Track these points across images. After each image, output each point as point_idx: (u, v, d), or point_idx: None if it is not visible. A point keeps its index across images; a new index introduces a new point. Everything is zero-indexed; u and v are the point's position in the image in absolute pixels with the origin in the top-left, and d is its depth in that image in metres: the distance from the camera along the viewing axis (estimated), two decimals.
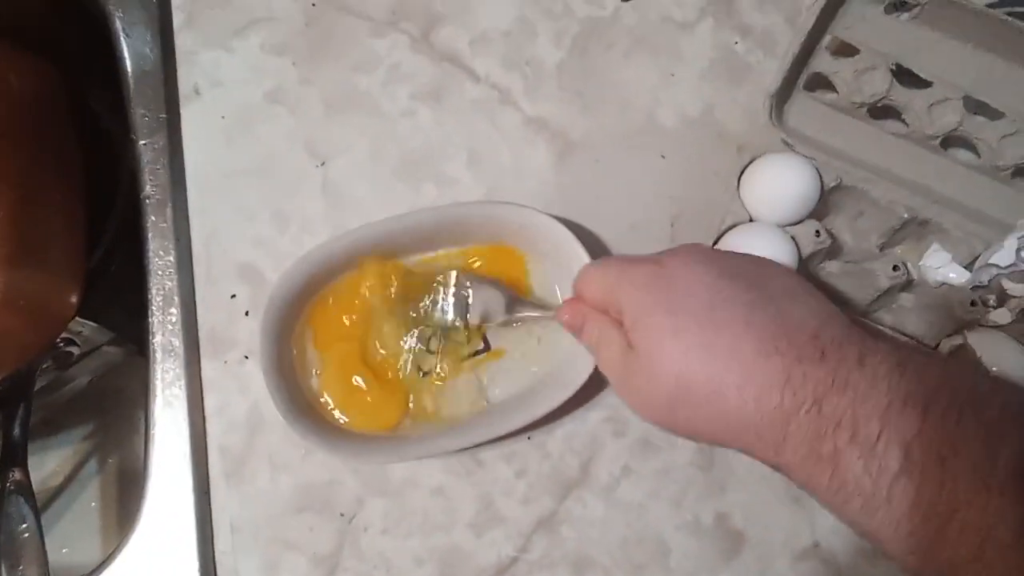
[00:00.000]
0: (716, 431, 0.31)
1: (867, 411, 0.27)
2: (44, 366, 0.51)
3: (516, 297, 0.43)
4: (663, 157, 0.48)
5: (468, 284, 0.43)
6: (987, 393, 0.28)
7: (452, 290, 0.43)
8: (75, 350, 0.52)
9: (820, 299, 0.33)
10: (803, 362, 0.29)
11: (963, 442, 0.26)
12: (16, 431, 0.45)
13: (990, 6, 0.44)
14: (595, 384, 0.43)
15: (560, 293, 0.45)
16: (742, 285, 0.32)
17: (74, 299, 0.44)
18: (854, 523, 0.28)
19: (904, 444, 0.27)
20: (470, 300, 0.43)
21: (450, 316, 0.43)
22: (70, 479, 0.58)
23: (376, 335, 0.43)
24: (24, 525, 0.42)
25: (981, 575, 0.25)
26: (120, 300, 0.54)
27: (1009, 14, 0.43)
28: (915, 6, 0.45)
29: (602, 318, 0.36)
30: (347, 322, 0.43)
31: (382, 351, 0.43)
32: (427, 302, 0.43)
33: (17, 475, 0.44)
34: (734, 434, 0.30)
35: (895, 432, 0.27)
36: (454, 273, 0.43)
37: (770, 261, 0.35)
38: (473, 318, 0.43)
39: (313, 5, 0.49)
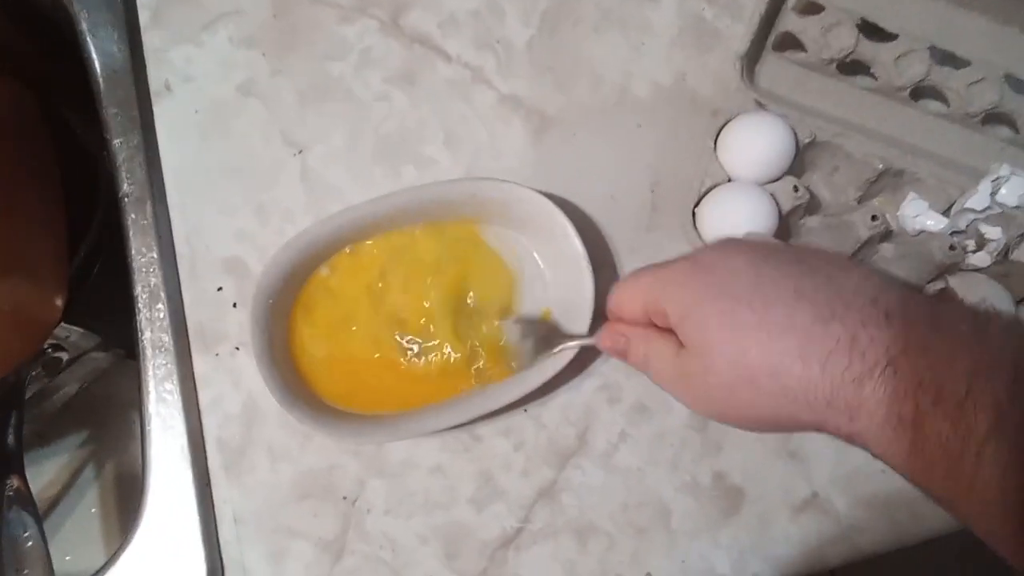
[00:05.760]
0: (781, 407, 0.29)
1: (952, 372, 0.26)
2: (33, 373, 0.51)
3: (555, 330, 0.43)
4: (639, 126, 0.49)
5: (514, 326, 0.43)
6: None
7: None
8: (64, 355, 0.52)
9: (870, 268, 0.32)
10: (867, 325, 0.27)
11: None
12: (10, 439, 0.45)
13: None
14: (588, 354, 0.44)
15: (542, 264, 0.45)
16: (784, 260, 0.31)
17: (59, 303, 0.44)
18: (933, 489, 0.27)
19: (995, 404, 0.25)
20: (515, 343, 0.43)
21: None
22: (68, 487, 0.58)
23: (364, 324, 0.44)
24: (27, 533, 0.42)
25: None
26: (105, 306, 0.54)
27: None
28: None
29: (645, 331, 0.35)
30: (336, 308, 0.43)
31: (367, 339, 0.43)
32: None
33: (15, 483, 0.44)
34: (802, 407, 0.28)
35: (984, 393, 0.25)
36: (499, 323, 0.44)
37: (807, 246, 0.34)
38: (524, 361, 0.43)
39: None
